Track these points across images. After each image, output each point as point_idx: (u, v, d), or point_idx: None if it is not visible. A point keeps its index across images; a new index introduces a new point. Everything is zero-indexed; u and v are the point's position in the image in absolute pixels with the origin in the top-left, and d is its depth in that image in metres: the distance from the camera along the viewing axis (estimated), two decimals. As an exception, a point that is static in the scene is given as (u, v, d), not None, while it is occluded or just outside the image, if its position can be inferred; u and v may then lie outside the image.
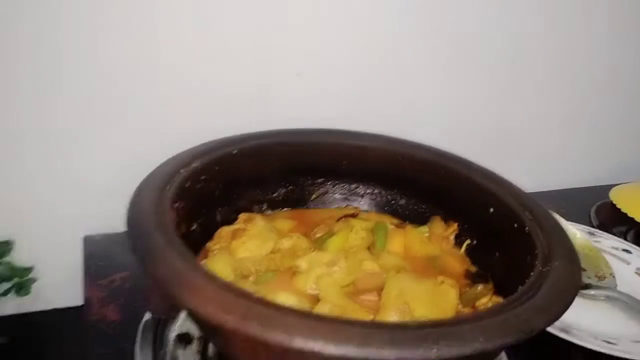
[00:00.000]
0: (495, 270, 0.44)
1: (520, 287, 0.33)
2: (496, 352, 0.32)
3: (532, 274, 0.34)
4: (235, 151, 0.48)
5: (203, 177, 0.45)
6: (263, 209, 0.52)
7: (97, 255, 0.53)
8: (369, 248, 0.47)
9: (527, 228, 0.40)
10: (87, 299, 0.47)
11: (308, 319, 0.27)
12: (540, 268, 0.35)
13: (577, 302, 0.51)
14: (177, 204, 0.40)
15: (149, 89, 0.54)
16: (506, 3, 0.65)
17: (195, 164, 0.44)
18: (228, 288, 0.29)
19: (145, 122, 0.55)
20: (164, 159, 0.43)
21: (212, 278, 0.30)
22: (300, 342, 0.26)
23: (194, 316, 0.34)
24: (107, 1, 0.49)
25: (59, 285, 0.56)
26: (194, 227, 0.44)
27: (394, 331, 0.27)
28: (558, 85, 0.73)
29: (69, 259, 0.55)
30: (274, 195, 0.53)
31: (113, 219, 0.55)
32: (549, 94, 0.74)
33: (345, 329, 0.27)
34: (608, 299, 0.52)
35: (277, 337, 0.26)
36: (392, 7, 0.60)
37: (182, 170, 0.43)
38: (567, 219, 0.61)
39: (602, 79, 0.76)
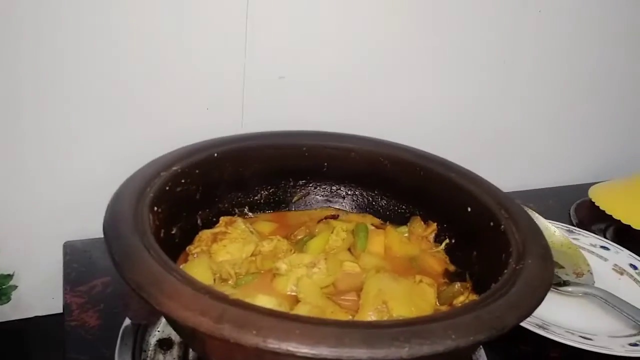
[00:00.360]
0: (473, 268, 0.45)
1: (494, 284, 0.34)
2: (470, 349, 0.33)
3: (505, 271, 0.35)
4: (217, 154, 0.48)
5: (183, 181, 0.45)
6: (244, 211, 0.52)
7: (78, 261, 0.52)
8: (349, 249, 0.48)
9: (502, 227, 0.41)
10: (66, 305, 0.47)
11: (282, 320, 0.27)
12: (514, 265, 0.35)
13: (555, 298, 0.53)
14: (156, 208, 0.40)
15: (132, 93, 0.54)
16: (496, 5, 0.66)
17: (175, 167, 0.44)
18: (203, 291, 0.29)
19: (125, 129, 0.55)
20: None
21: (187, 281, 0.30)
22: (274, 344, 0.26)
23: (170, 320, 0.34)
24: (105, 3, 0.49)
25: (40, 293, 0.56)
26: (174, 231, 0.44)
27: (366, 330, 0.27)
28: (541, 88, 0.75)
29: (50, 265, 0.54)
30: (256, 198, 0.53)
31: (94, 224, 0.55)
32: (533, 96, 0.75)
33: (319, 330, 0.27)
34: (586, 295, 0.53)
35: (251, 339, 0.26)
36: (377, 8, 0.61)
37: (162, 174, 0.43)
38: (548, 217, 0.62)
39: (583, 81, 0.77)
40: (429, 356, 0.27)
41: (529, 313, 0.31)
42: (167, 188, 0.42)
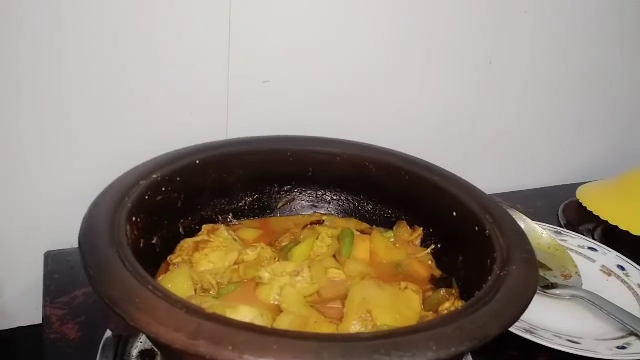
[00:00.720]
0: (459, 273, 0.45)
1: (478, 292, 0.33)
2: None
3: (490, 278, 0.35)
4: (199, 161, 0.48)
5: (164, 189, 0.44)
6: (228, 219, 0.51)
7: (59, 271, 0.51)
8: (335, 255, 0.47)
9: (487, 232, 0.40)
10: (46, 318, 0.46)
11: (259, 335, 0.27)
12: (499, 272, 0.35)
13: (543, 301, 0.52)
14: (135, 218, 0.39)
15: (112, 100, 0.53)
16: (483, 7, 0.65)
17: (155, 175, 0.43)
18: (179, 305, 0.28)
19: (107, 137, 0.54)
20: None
21: (163, 295, 0.29)
22: None
23: (147, 335, 0.33)
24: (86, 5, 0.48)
25: (24, 303, 0.55)
26: (155, 241, 0.43)
27: (346, 344, 0.27)
28: (527, 89, 0.74)
29: (33, 275, 0.53)
30: (240, 204, 0.52)
31: (76, 234, 0.54)
32: (519, 97, 0.74)
33: (297, 344, 0.26)
34: (573, 298, 0.52)
35: (227, 355, 0.26)
36: (364, 11, 0.60)
37: (141, 182, 0.42)
38: (537, 219, 0.62)
39: (570, 82, 0.77)
40: (410, 369, 0.26)
41: (512, 322, 0.30)
42: (147, 197, 0.42)
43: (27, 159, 0.51)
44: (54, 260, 0.53)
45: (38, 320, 0.53)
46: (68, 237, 0.54)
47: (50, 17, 0.47)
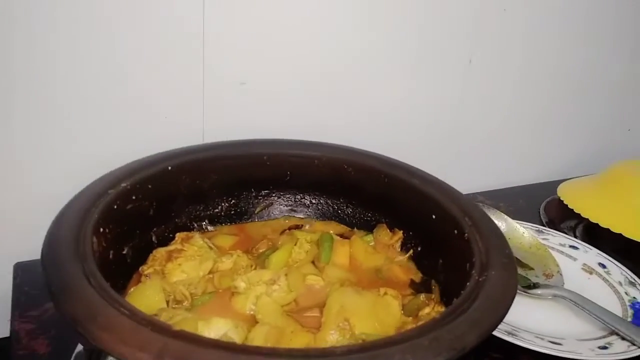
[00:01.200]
0: (439, 277, 0.44)
1: (455, 299, 0.32)
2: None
3: (468, 284, 0.34)
4: (171, 167, 0.46)
5: (134, 197, 0.43)
6: (204, 225, 0.50)
7: (29, 283, 0.50)
8: (313, 261, 0.46)
9: (466, 235, 0.40)
10: (14, 333, 0.44)
11: (227, 353, 0.25)
12: (477, 277, 0.34)
13: (525, 302, 0.52)
14: (102, 229, 0.38)
15: (82, 104, 0.51)
16: (462, 9, 0.65)
17: (125, 184, 0.42)
18: (144, 322, 0.27)
19: (77, 144, 0.52)
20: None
21: (128, 312, 0.28)
22: (219, 379, 0.24)
23: (110, 355, 0.32)
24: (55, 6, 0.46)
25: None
26: (125, 251, 0.42)
27: (315, 358, 0.26)
28: (506, 87, 0.74)
29: (2, 287, 0.51)
30: (216, 210, 0.51)
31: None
32: (502, 96, 0.74)
33: (267, 361, 0.25)
34: (555, 297, 0.52)
35: (194, 374, 0.25)
36: (343, 13, 0.59)
37: (110, 191, 0.41)
38: (518, 217, 0.62)
39: (549, 80, 0.77)
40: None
41: (490, 330, 0.30)
42: (116, 206, 0.40)
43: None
44: (23, 272, 0.51)
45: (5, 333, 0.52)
46: (38, 247, 0.52)
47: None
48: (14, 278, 0.50)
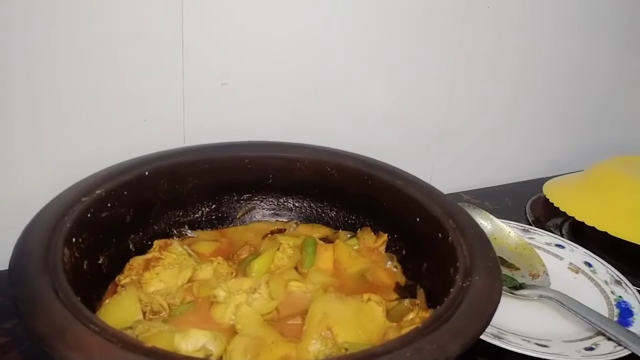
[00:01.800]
0: (423, 281, 0.43)
1: (439, 306, 0.32)
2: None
3: (452, 290, 0.33)
4: (148, 172, 0.45)
5: (110, 204, 0.41)
6: (183, 231, 0.48)
7: (4, 294, 0.48)
8: (296, 267, 0.45)
9: (450, 238, 0.39)
10: (-13, 347, 0.42)
11: (201, 371, 0.24)
12: (461, 283, 0.34)
13: (511, 303, 0.52)
14: (75, 239, 0.37)
15: (57, 104, 0.49)
16: (445, 13, 0.64)
17: (99, 191, 0.41)
18: (115, 340, 0.26)
19: (51, 146, 0.50)
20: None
21: (98, 329, 0.27)
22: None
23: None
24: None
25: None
26: (100, 260, 0.40)
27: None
28: (492, 86, 0.74)
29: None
30: (196, 215, 0.50)
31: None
32: (487, 95, 0.74)
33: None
34: (541, 298, 0.52)
35: (166, 395, 0.23)
36: (325, 13, 0.58)
37: (83, 199, 0.39)
38: (504, 216, 0.61)
39: (534, 78, 0.77)
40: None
41: (474, 339, 0.29)
42: (89, 215, 0.39)
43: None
44: (-3, 282, 0.49)
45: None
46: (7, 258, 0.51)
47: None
48: (-13, 289, 0.49)
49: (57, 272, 0.31)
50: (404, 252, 0.47)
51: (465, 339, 0.28)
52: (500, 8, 0.68)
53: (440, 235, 0.41)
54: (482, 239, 0.38)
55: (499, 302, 0.32)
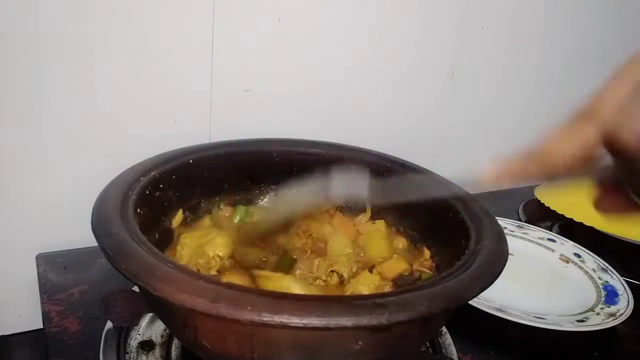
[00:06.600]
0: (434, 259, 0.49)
1: (457, 262, 0.37)
2: (439, 317, 0.36)
3: (466, 251, 0.39)
4: (191, 160, 0.50)
5: (161, 185, 0.47)
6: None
7: (52, 271, 0.53)
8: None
9: (460, 215, 0.45)
10: (45, 314, 0.47)
11: (274, 298, 0.30)
12: (474, 246, 0.39)
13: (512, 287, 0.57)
14: (139, 210, 0.42)
15: (101, 109, 0.55)
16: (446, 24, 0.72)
17: (154, 173, 0.46)
18: (197, 277, 0.31)
19: (94, 145, 0.56)
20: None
21: (181, 269, 0.32)
22: (268, 317, 0.29)
23: (164, 307, 0.36)
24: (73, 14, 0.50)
25: (18, 309, 0.55)
26: (154, 235, 0.45)
27: (349, 301, 0.30)
28: (490, 95, 0.81)
29: (27, 281, 0.54)
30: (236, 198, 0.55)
31: (67, 236, 0.55)
32: (483, 103, 0.81)
33: (308, 303, 0.30)
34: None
35: (247, 314, 0.29)
36: (343, 27, 0.65)
37: (142, 179, 0.45)
38: (497, 216, 0.67)
39: (524, 88, 0.84)
40: (406, 321, 0.30)
41: (489, 283, 0.34)
42: (147, 192, 0.44)
43: (20, 163, 0.53)
44: (45, 262, 0.54)
45: (22, 327, 0.54)
46: (56, 241, 0.55)
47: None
48: (38, 266, 0.53)
49: (134, 229, 0.36)
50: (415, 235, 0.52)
51: (483, 283, 0.34)
52: (493, 28, 0.76)
53: (451, 215, 0.47)
54: (486, 214, 0.45)
55: (507, 257, 0.38)
